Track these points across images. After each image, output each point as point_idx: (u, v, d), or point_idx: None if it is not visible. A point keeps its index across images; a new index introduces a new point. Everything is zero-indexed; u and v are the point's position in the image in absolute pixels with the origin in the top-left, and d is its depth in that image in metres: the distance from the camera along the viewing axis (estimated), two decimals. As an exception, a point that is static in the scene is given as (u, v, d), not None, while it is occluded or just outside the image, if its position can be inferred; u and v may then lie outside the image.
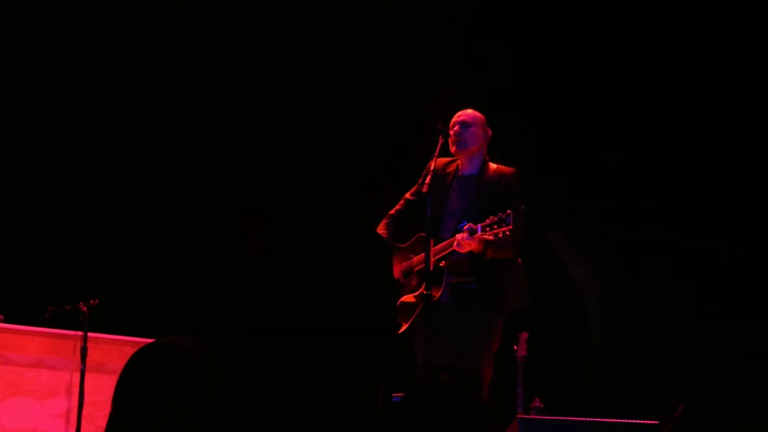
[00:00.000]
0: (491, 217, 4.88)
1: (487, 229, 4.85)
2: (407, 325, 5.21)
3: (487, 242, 4.96)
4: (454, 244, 4.95)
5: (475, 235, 4.88)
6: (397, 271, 5.33)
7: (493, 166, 5.33)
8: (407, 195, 5.50)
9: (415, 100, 8.30)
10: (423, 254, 5.07)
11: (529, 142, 7.97)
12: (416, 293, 5.10)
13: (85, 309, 6.12)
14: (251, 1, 8.35)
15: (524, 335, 6.82)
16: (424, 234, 5.13)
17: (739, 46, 7.73)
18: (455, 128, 5.28)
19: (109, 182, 8.15)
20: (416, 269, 5.15)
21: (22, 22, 7.88)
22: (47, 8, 7.93)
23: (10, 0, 7.86)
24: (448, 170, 5.35)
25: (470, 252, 5.04)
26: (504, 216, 4.83)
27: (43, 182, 7.93)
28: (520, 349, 6.78)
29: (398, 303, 5.26)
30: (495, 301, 5.16)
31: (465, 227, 4.93)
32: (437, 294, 5.07)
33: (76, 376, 6.22)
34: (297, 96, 8.55)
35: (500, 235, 4.83)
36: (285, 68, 8.52)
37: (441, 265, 5.09)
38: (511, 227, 4.81)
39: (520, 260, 5.28)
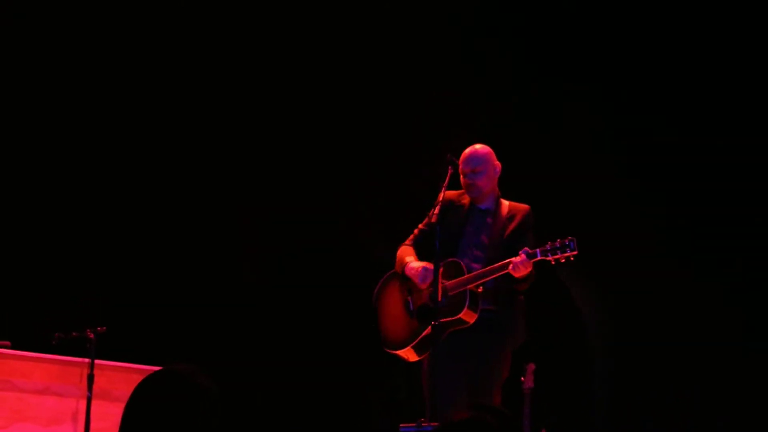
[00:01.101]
0: (549, 242, 4.94)
1: (549, 254, 4.92)
2: (429, 352, 5.19)
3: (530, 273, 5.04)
4: (510, 267, 4.97)
5: (534, 259, 4.94)
6: (424, 292, 5.29)
7: (505, 202, 5.37)
8: (420, 226, 5.52)
9: (416, 102, 8.32)
10: (457, 279, 5.10)
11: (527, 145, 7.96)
12: (448, 318, 5.08)
13: (92, 336, 6.12)
14: (252, 5, 8.38)
15: (531, 366, 6.80)
16: (453, 259, 5.16)
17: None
18: (467, 181, 5.30)
19: (116, 210, 8.16)
20: (451, 293, 5.14)
21: (21, 22, 7.91)
22: (47, 8, 7.95)
23: (10, 0, 7.90)
24: (462, 201, 5.38)
25: (497, 279, 5.08)
26: (567, 242, 4.90)
27: (51, 208, 7.95)
28: (527, 381, 6.76)
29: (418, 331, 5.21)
30: (511, 331, 5.20)
31: (523, 251, 4.97)
32: (472, 320, 5.09)
33: (83, 404, 6.21)
34: (294, 102, 8.58)
35: (562, 260, 4.90)
36: (278, 72, 8.55)
37: (479, 291, 5.11)
38: (576, 252, 4.89)
39: (522, 297, 5.31)
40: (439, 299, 4.95)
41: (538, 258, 4.97)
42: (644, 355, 8.10)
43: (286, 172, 8.65)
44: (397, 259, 5.43)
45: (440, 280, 4.97)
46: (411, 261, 5.33)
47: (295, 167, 8.65)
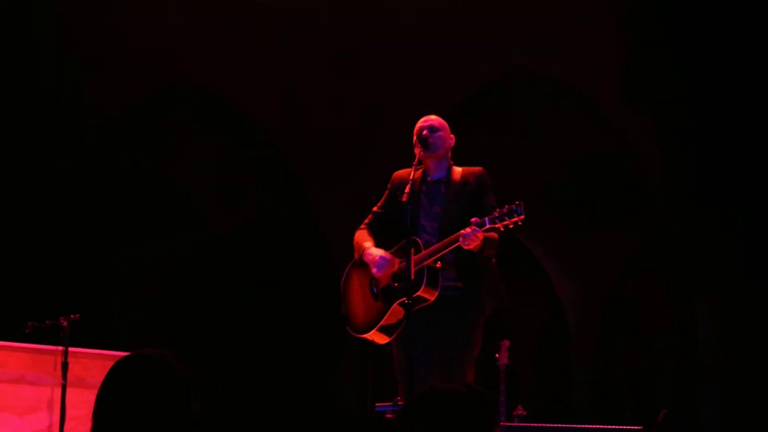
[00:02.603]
0: (497, 210, 4.88)
1: (497, 221, 4.86)
2: (396, 333, 5.16)
3: (486, 239, 4.95)
4: (460, 239, 4.92)
5: (484, 228, 4.88)
6: (382, 277, 5.26)
7: (458, 169, 5.34)
8: (375, 208, 5.48)
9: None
10: (415, 257, 5.05)
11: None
12: (407, 298, 5.04)
13: (65, 324, 6.08)
14: None
15: (506, 343, 6.82)
16: (411, 237, 5.13)
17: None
18: (424, 132, 5.26)
19: (88, 200, 8.13)
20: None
21: None
22: None
23: None
24: (415, 176, 5.34)
25: (457, 251, 5.03)
26: (514, 207, 4.84)
27: (22, 199, 7.90)
28: (502, 357, 6.78)
29: (389, 310, 5.19)
30: (477, 304, 5.17)
31: (472, 221, 4.90)
32: (433, 297, 5.05)
33: (58, 392, 6.19)
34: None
35: (510, 226, 4.84)
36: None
37: (437, 266, 5.06)
38: (523, 217, 4.82)
39: (494, 260, 5.27)
40: (412, 277, 4.93)
41: (487, 226, 4.89)
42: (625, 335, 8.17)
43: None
44: (356, 245, 5.40)
45: (413, 257, 4.94)
46: (369, 246, 5.29)
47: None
